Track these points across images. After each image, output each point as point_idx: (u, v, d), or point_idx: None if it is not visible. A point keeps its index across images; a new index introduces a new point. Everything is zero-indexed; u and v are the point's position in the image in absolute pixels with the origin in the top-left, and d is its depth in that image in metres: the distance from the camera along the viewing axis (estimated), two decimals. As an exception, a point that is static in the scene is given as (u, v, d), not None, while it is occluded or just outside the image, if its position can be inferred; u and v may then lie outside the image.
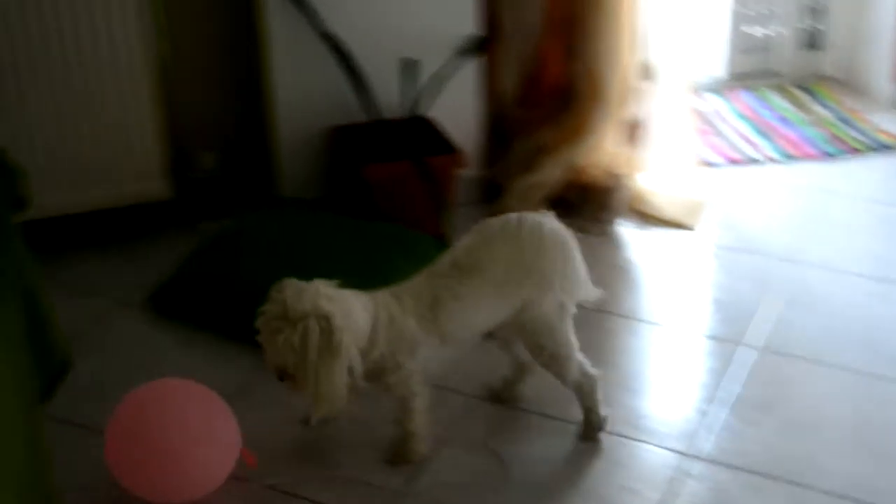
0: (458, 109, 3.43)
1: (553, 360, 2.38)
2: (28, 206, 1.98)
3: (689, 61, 3.51)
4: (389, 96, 3.29)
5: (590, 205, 3.46)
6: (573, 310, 2.38)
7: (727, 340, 2.86)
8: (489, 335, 2.43)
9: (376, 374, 2.25)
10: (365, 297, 2.21)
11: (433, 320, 2.26)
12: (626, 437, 2.50)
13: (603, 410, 2.47)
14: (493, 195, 3.51)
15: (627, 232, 3.43)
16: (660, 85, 3.49)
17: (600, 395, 2.46)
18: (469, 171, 3.42)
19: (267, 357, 2.13)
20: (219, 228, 3.25)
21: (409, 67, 3.21)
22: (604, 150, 3.52)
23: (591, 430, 2.48)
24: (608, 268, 3.21)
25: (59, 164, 3.12)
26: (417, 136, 3.28)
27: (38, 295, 1.79)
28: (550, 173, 3.45)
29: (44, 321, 1.81)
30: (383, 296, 2.26)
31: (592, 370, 2.44)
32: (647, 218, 3.49)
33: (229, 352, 2.75)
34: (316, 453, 2.45)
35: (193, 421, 2.22)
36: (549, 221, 2.35)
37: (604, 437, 2.48)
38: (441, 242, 3.05)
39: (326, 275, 2.75)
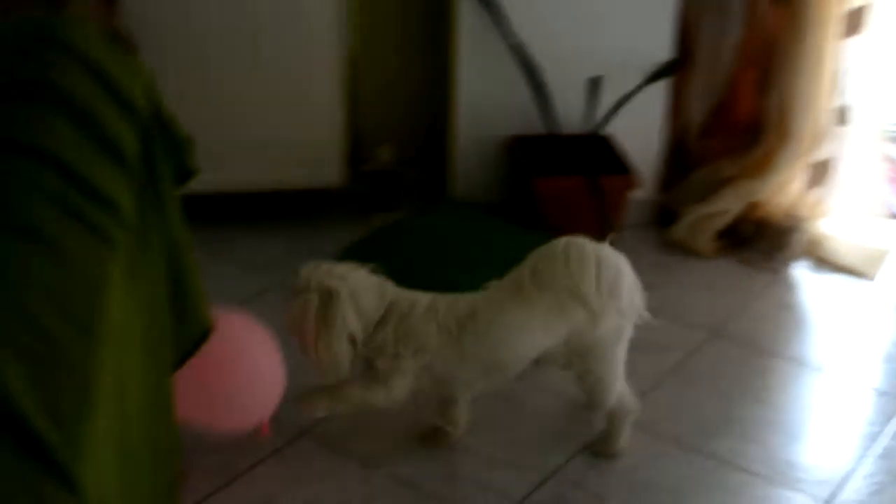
0: (642, 131, 3.40)
1: (597, 385, 2.36)
2: (193, 176, 2.05)
3: (885, 108, 3.39)
4: (572, 112, 3.28)
5: (764, 242, 3.38)
6: (630, 333, 2.36)
7: (892, 395, 2.75)
8: (537, 362, 2.36)
9: (375, 356, 2.28)
10: (387, 287, 2.28)
11: (457, 337, 2.25)
12: (765, 477, 2.43)
13: (623, 443, 2.45)
14: (665, 221, 3.46)
15: (801, 274, 3.33)
16: (852, 129, 3.38)
17: (628, 429, 2.45)
18: (643, 193, 3.39)
19: (284, 321, 2.25)
20: (386, 221, 3.32)
21: (594, 85, 3.19)
22: (787, 189, 3.43)
23: (603, 450, 2.46)
24: (775, 307, 3.13)
25: (242, 144, 3.22)
26: (595, 154, 3.26)
27: (185, 264, 1.85)
28: (727, 205, 3.38)
29: (188, 290, 1.86)
30: (414, 294, 2.29)
31: (631, 402, 2.43)
32: (824, 262, 3.37)
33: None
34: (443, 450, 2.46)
35: (241, 352, 2.33)
36: (592, 244, 2.28)
37: (743, 475, 2.42)
38: (603, 261, 3.02)
39: (480, 278, 2.78)
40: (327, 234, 3.29)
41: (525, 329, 2.28)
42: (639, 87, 3.26)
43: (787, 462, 2.49)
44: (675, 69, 3.36)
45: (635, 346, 2.83)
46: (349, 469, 2.40)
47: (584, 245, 2.25)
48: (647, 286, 3.10)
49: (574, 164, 3.20)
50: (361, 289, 2.23)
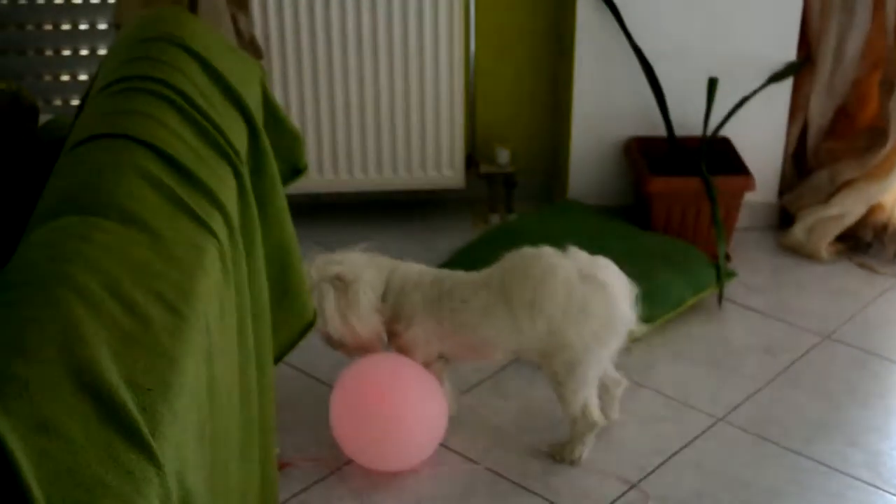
0: (764, 133, 3.39)
1: (560, 389, 2.39)
2: (302, 173, 2.14)
3: None
4: (693, 113, 3.30)
5: (884, 246, 3.33)
6: (610, 352, 2.38)
7: None
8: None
9: (390, 334, 2.45)
10: (381, 261, 2.44)
11: (438, 310, 2.39)
12: (868, 482, 2.41)
13: (584, 453, 2.45)
14: (784, 223, 3.45)
15: (922, 279, 3.28)
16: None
17: (590, 441, 2.44)
18: (762, 196, 3.38)
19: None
20: (502, 222, 3.38)
21: (712, 86, 3.20)
22: (910, 192, 3.38)
23: (561, 455, 2.46)
24: (892, 313, 3.09)
25: (365, 146, 3.33)
26: (713, 156, 3.26)
27: (289, 257, 1.93)
28: (847, 208, 3.34)
29: (291, 284, 1.95)
30: (406, 266, 2.45)
31: (596, 416, 2.41)
32: (947, 268, 3.32)
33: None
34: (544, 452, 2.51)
35: (409, 393, 2.39)
36: (566, 263, 2.31)
37: (846, 479, 2.41)
38: (715, 263, 3.03)
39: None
40: (444, 234, 3.37)
41: (491, 319, 2.35)
42: (760, 88, 3.26)
43: (891, 468, 2.47)
44: (798, 70, 3.34)
45: (744, 349, 2.85)
46: (450, 460, 2.47)
47: (556, 266, 2.30)
48: (762, 289, 3.13)
49: (691, 166, 3.21)
50: (361, 266, 2.41)
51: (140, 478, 1.01)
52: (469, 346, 2.43)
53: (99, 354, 1.11)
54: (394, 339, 2.47)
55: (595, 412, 2.41)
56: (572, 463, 2.45)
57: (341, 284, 2.36)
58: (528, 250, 2.36)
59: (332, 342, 2.46)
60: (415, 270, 2.46)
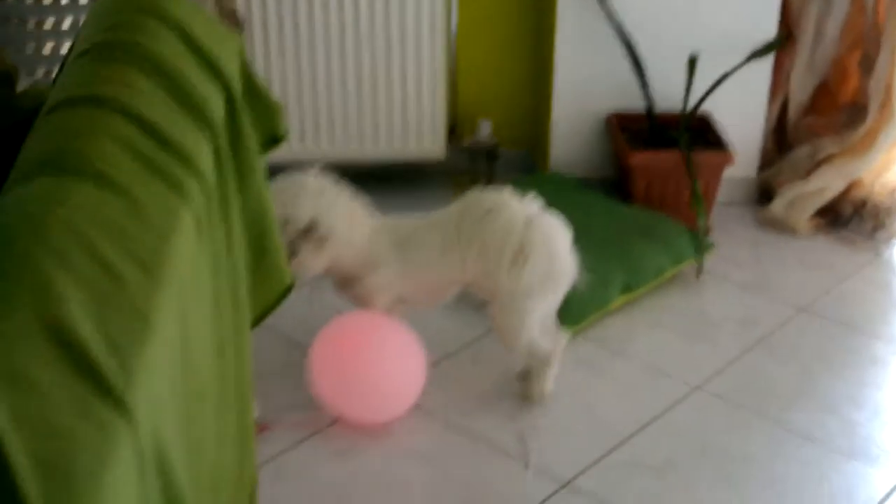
0: (745, 109, 3.41)
1: (502, 328, 2.49)
2: (280, 141, 2.15)
3: None
4: (674, 88, 3.31)
5: (863, 221, 3.36)
6: (548, 304, 2.47)
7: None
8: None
9: (349, 282, 2.51)
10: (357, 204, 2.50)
11: (401, 255, 2.48)
12: (843, 451, 2.44)
13: (549, 386, 2.56)
14: (763, 198, 3.47)
15: (900, 254, 3.31)
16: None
17: (551, 372, 2.54)
18: (742, 171, 3.40)
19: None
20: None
21: (692, 62, 3.22)
22: (888, 168, 3.41)
23: (525, 393, 2.57)
24: (870, 287, 3.12)
25: (346, 116, 3.34)
26: (694, 131, 3.28)
27: (267, 223, 1.94)
28: (827, 183, 3.37)
29: (269, 249, 1.96)
30: (366, 212, 2.52)
31: (544, 350, 2.51)
32: (927, 243, 3.35)
33: (467, 308, 2.87)
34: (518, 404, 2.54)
35: (388, 348, 2.46)
36: (520, 206, 2.42)
37: (821, 448, 2.44)
38: (695, 235, 3.05)
39: (576, 247, 2.84)
40: (425, 206, 3.35)
41: (447, 257, 2.45)
42: (741, 65, 3.27)
43: (866, 437, 2.50)
44: (778, 47, 3.36)
45: (722, 320, 2.88)
46: (426, 422, 2.49)
47: (505, 209, 2.40)
48: (741, 262, 3.16)
49: (671, 140, 3.23)
50: (340, 205, 2.46)
51: (112, 429, 1.03)
52: (428, 286, 2.54)
53: (72, 311, 1.12)
54: (354, 287, 2.52)
55: (542, 348, 2.51)
56: (542, 399, 2.55)
57: (314, 234, 2.41)
58: (486, 191, 2.47)
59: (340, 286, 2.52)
60: (375, 218, 2.54)
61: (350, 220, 2.47)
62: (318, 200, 2.43)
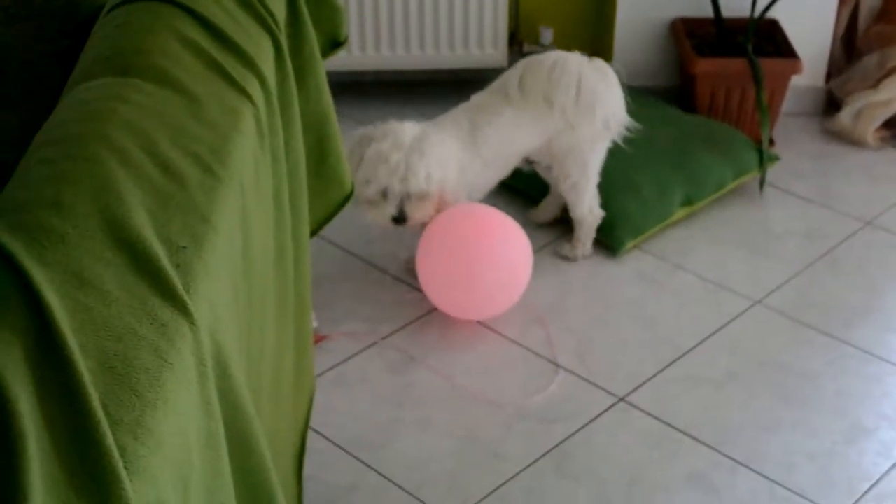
0: (813, 15, 3.31)
1: (573, 188, 2.64)
2: (342, 45, 2.12)
3: None
4: (742, -5, 3.23)
5: (933, 133, 3.28)
6: (608, 143, 2.64)
7: None
8: (527, 161, 2.70)
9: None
10: (436, 128, 2.51)
11: (473, 144, 2.52)
12: (904, 369, 2.42)
13: (588, 250, 2.73)
14: (830, 108, 3.39)
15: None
16: None
17: (594, 234, 2.71)
18: (809, 80, 3.32)
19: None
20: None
21: (762, -34, 3.13)
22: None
23: (569, 254, 2.72)
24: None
25: (407, 24, 3.29)
26: (760, 37, 3.20)
27: (328, 128, 1.92)
28: (896, 94, 3.28)
29: (330, 155, 1.94)
30: (430, 126, 2.52)
31: (599, 210, 2.68)
32: None
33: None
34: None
35: (492, 243, 2.47)
36: (578, 59, 2.56)
37: (882, 365, 2.41)
38: (758, 147, 2.99)
39: (634, 156, 2.80)
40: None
41: (516, 125, 2.55)
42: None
43: (929, 356, 2.46)
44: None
45: (784, 234, 2.83)
46: (488, 338, 2.49)
47: (568, 60, 2.55)
48: (805, 174, 3.10)
49: (737, 47, 3.16)
50: (443, 148, 2.49)
51: (173, 330, 1.02)
52: (500, 163, 2.60)
53: (134, 211, 1.11)
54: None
55: (598, 207, 2.68)
56: (576, 259, 2.71)
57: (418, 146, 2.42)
58: (541, 57, 2.59)
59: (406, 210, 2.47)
60: (434, 126, 2.54)
61: (457, 162, 2.48)
62: (430, 160, 2.41)
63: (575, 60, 2.55)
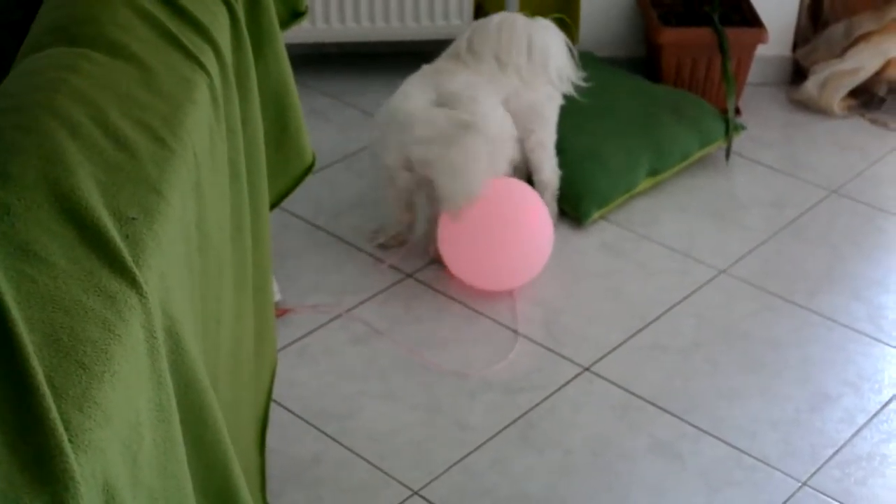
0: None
1: (539, 145, 2.63)
2: (302, 16, 2.10)
3: None
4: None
5: (899, 102, 3.29)
6: (560, 101, 2.65)
7: None
8: None
9: None
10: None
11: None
12: (868, 335, 2.42)
13: (555, 216, 2.69)
14: (797, 78, 3.39)
15: (935, 136, 3.24)
16: None
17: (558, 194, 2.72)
18: (774, 49, 3.32)
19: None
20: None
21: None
22: (928, 47, 3.31)
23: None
24: (903, 169, 3.06)
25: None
26: (726, 7, 3.20)
27: (287, 100, 1.90)
28: (862, 63, 3.28)
29: (289, 126, 1.92)
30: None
31: (558, 169, 2.69)
32: (962, 125, 3.27)
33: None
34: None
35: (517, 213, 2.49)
36: (524, 18, 2.59)
37: (847, 332, 2.42)
38: (725, 117, 2.99)
39: (600, 127, 2.79)
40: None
41: (476, 87, 2.51)
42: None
43: (893, 321, 2.47)
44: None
45: (750, 203, 2.84)
46: (453, 309, 2.48)
47: (516, 20, 2.57)
48: (771, 143, 3.10)
49: (703, 17, 3.15)
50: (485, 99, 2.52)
51: (122, 303, 1.01)
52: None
53: (83, 182, 1.09)
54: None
55: (557, 172, 2.70)
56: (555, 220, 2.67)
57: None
58: (487, 19, 2.61)
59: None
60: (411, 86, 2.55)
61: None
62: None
63: (521, 19, 2.57)
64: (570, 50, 2.64)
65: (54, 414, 0.86)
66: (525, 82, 2.57)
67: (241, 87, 1.65)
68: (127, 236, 1.08)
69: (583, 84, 2.66)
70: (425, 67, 2.60)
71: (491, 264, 2.47)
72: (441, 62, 2.60)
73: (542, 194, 2.67)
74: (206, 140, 1.38)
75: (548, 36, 2.58)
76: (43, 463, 0.84)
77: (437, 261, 2.56)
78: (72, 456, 0.85)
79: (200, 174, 1.32)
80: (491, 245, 2.44)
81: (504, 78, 2.55)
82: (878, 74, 3.29)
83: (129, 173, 1.15)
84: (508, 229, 2.47)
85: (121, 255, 1.05)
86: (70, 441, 0.86)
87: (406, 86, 2.53)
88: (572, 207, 2.74)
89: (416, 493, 2.03)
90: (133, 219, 1.11)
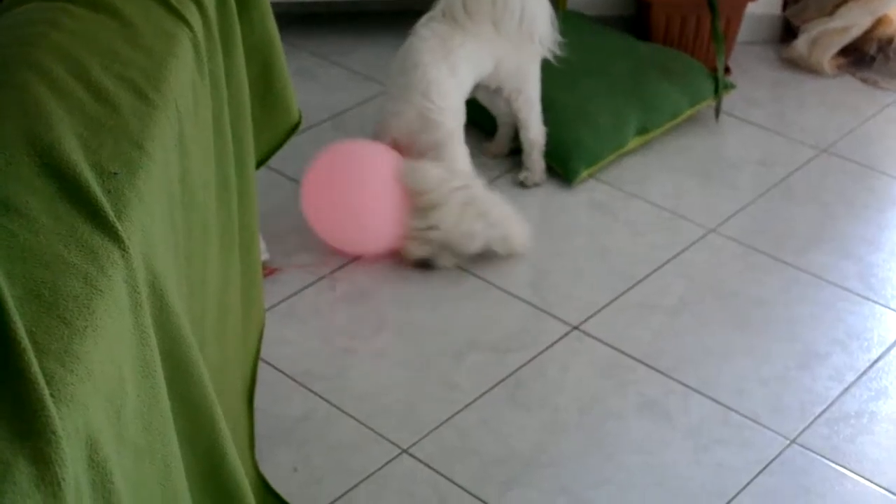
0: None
1: (527, 102, 2.68)
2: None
3: None
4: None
5: (890, 60, 3.27)
6: (540, 59, 2.69)
7: None
8: (478, 88, 2.67)
9: None
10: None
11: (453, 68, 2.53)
12: (859, 293, 2.42)
13: (543, 175, 2.75)
14: (787, 36, 3.37)
15: (925, 95, 3.23)
16: None
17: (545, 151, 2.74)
18: (764, 7, 3.30)
19: None
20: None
21: None
22: (918, 5, 3.30)
23: (531, 180, 2.74)
24: (894, 127, 3.05)
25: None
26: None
27: (272, 57, 1.88)
28: (852, 21, 3.26)
29: (274, 83, 1.90)
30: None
31: (544, 127, 2.72)
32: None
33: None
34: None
35: (375, 178, 2.44)
36: None
37: (836, 290, 2.42)
38: (714, 75, 2.98)
39: (588, 86, 2.78)
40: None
41: (478, 50, 2.56)
42: None
43: (883, 279, 2.47)
44: None
45: (740, 162, 2.83)
46: (434, 274, 2.47)
47: None
48: (761, 102, 3.09)
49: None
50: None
51: (104, 257, 1.00)
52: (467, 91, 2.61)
53: (64, 137, 1.08)
54: None
55: (543, 131, 2.73)
56: (538, 185, 2.73)
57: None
58: None
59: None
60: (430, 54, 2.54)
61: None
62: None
63: None
64: (553, 19, 2.67)
65: (35, 368, 0.86)
66: (514, 45, 2.60)
67: (226, 44, 1.63)
68: (109, 191, 1.07)
69: (558, 51, 2.70)
70: (423, 32, 2.54)
71: (343, 228, 2.48)
72: (438, 25, 2.54)
73: (530, 152, 2.66)
74: (190, 95, 1.37)
75: (538, 6, 2.61)
76: (24, 417, 0.83)
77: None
78: (53, 410, 0.84)
79: (183, 129, 1.31)
80: (343, 209, 2.44)
81: (498, 41, 2.58)
82: (868, 33, 3.28)
83: (110, 128, 1.14)
84: (354, 194, 2.44)
85: (103, 210, 1.04)
86: (52, 395, 0.86)
87: (424, 52, 2.53)
88: (561, 166, 2.73)
89: (404, 451, 2.02)
90: (115, 174, 1.10)
